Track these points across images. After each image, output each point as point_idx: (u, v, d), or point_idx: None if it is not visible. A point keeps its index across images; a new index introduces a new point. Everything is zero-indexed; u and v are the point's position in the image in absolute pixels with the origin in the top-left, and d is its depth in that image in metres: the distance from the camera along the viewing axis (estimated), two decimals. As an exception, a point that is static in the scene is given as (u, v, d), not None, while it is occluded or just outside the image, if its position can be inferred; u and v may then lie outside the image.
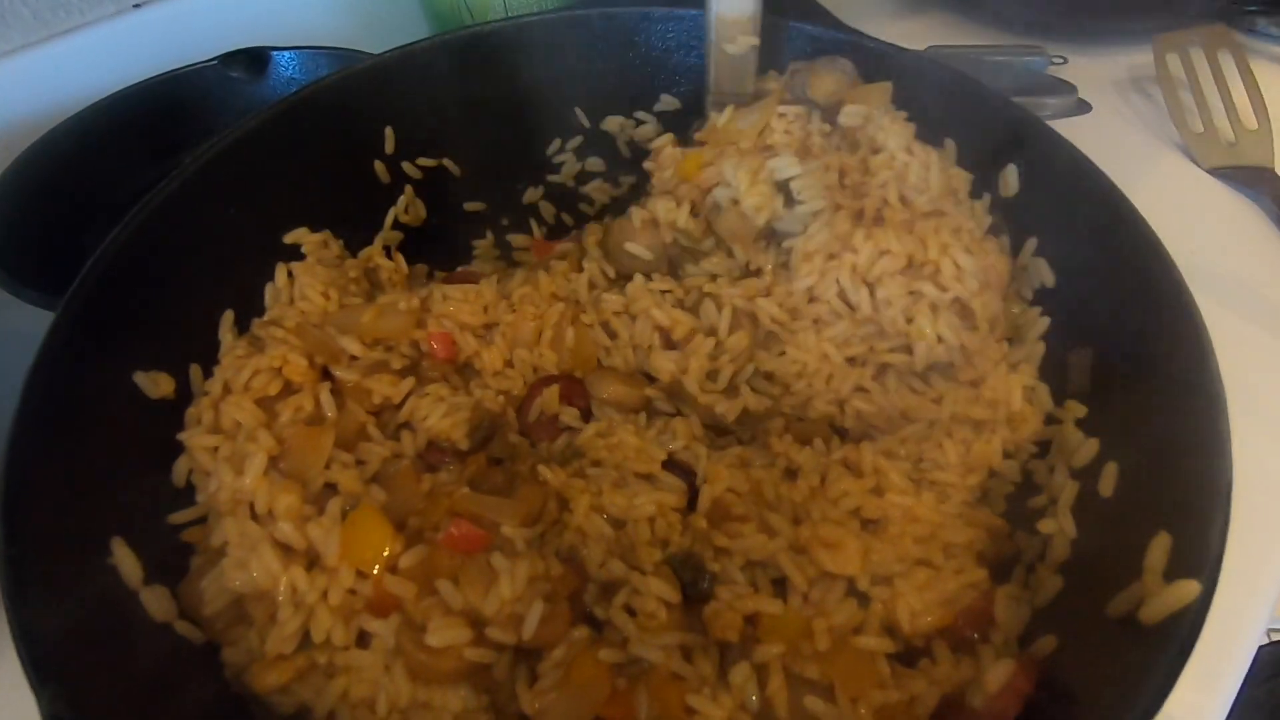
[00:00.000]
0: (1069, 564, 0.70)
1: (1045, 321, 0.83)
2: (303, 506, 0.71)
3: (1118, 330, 0.75)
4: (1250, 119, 1.24)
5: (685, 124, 1.01)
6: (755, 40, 0.91)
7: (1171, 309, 0.69)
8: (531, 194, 1.08)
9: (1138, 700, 0.51)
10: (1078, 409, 0.77)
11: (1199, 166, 1.23)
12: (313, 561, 0.70)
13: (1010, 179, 0.86)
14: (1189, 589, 0.55)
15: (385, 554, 0.70)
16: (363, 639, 0.69)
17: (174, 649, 0.67)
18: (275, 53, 1.21)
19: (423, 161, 1.00)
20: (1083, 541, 0.70)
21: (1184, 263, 0.71)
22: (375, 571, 0.69)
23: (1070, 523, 0.71)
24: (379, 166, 0.98)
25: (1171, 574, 0.57)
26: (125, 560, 0.67)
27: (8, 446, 0.63)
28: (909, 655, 0.69)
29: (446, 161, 1.01)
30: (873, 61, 0.92)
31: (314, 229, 0.93)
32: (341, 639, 0.67)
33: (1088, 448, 0.73)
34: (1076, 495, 0.72)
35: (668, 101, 1.03)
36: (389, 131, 0.97)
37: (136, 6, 1.28)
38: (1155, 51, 1.31)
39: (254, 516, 0.71)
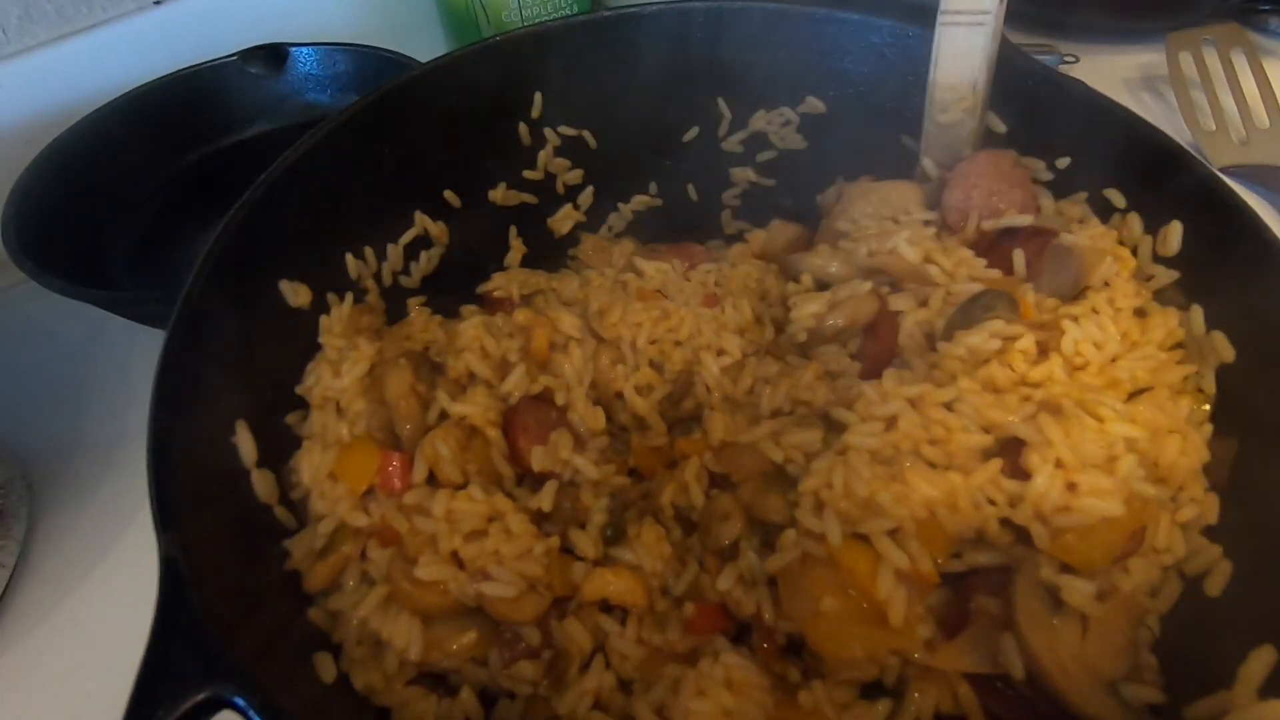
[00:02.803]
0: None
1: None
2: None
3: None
4: (1262, 117, 1.24)
5: (824, 127, 1.01)
6: (974, 116, 0.87)
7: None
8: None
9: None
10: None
11: (1210, 165, 1.23)
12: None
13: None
14: (1282, 710, 0.51)
15: (364, 483, 0.74)
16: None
17: (273, 526, 0.73)
18: (293, 49, 1.22)
19: (564, 130, 1.02)
20: (1177, 637, 0.64)
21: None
22: (359, 492, 0.74)
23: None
24: (522, 129, 1.00)
25: (1268, 691, 0.53)
26: (245, 442, 0.72)
27: (168, 334, 0.69)
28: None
29: (586, 133, 1.03)
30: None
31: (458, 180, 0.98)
32: (352, 551, 0.73)
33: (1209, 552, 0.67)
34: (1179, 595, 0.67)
35: (812, 104, 1.01)
36: (538, 97, 0.99)
37: (157, 3, 1.30)
38: (1168, 50, 1.31)
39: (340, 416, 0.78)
